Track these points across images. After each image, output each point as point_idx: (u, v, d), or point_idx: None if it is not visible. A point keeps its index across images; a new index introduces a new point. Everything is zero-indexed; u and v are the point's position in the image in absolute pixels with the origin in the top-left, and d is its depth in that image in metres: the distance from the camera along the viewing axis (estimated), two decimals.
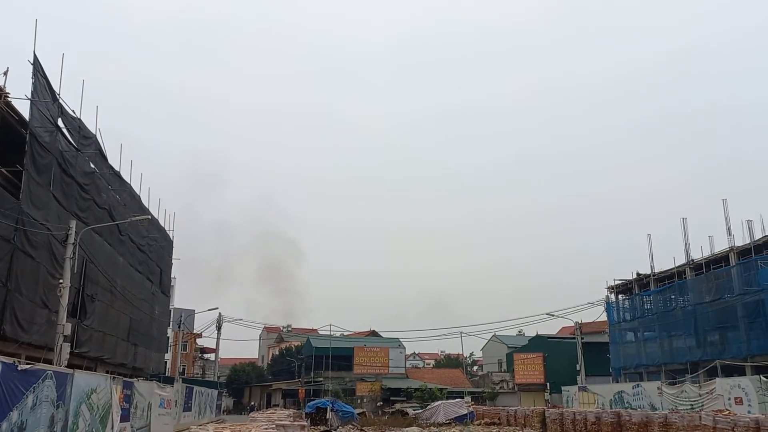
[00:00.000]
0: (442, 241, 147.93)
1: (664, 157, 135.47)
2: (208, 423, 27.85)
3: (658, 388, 34.22)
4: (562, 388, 48.31)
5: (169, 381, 36.38)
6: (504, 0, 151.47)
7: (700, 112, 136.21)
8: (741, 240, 35.71)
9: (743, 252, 35.11)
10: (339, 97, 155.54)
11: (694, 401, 29.88)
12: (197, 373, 75.52)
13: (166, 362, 51.17)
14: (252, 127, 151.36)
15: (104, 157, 28.26)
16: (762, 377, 27.08)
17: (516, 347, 68.73)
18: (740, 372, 32.59)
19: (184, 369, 65.92)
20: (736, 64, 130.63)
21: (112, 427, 20.34)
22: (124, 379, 23.31)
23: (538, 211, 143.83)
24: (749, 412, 24.27)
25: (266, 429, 12.52)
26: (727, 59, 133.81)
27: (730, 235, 36.05)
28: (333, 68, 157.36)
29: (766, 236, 33.99)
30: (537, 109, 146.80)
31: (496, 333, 70.43)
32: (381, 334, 75.67)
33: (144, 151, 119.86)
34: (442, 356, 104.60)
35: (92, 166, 26.37)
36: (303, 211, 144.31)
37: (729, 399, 27.76)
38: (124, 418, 22.01)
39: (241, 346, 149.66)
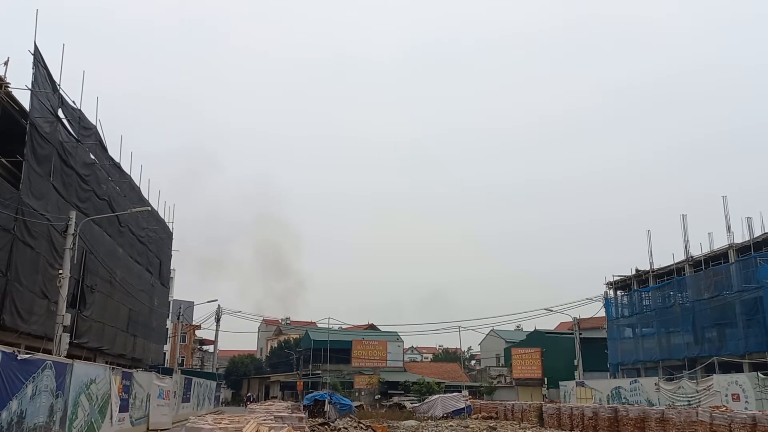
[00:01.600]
0: (446, 247, 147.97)
1: (664, 154, 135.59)
2: (206, 414, 27.92)
3: (655, 384, 34.33)
4: (560, 383, 48.43)
5: (168, 372, 36.52)
6: (512, 11, 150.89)
7: (702, 113, 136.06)
8: (740, 237, 35.78)
9: (742, 249, 35.14)
10: (340, 104, 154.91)
11: (692, 397, 29.98)
12: (196, 365, 75.70)
13: (165, 353, 51.31)
14: (252, 127, 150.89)
15: (104, 148, 28.23)
16: (759, 374, 27.18)
17: (514, 342, 68.84)
18: (738, 369, 32.66)
19: (183, 360, 66.13)
20: (734, 63, 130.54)
21: (111, 418, 20.44)
22: (123, 369, 23.42)
23: (540, 214, 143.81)
24: (746, 408, 24.38)
25: (265, 420, 12.56)
26: (723, 63, 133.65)
27: (729, 232, 36.11)
28: (336, 73, 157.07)
29: (765, 233, 34.02)
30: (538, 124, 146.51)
31: (494, 328, 70.60)
32: (379, 327, 75.76)
33: (144, 146, 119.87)
34: (440, 350, 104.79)
35: (92, 157, 26.35)
36: (301, 208, 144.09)
37: (726, 395, 27.87)
38: (123, 408, 22.12)
39: (239, 338, 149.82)
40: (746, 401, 26.56)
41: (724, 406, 23.69)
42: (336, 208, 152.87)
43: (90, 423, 18.25)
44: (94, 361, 24.80)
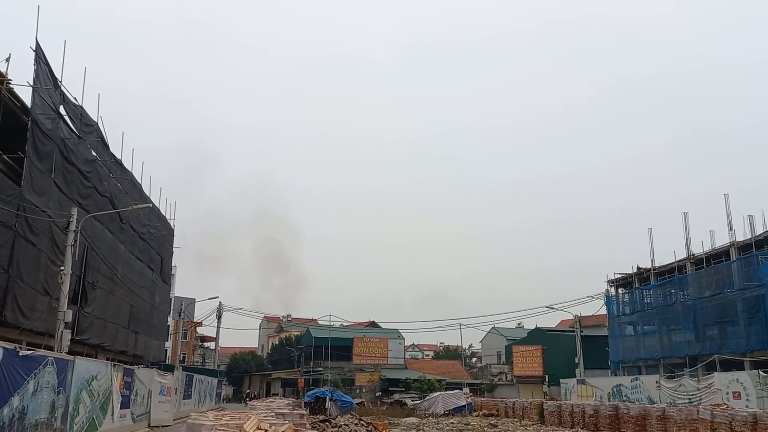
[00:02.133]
0: (446, 243, 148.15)
1: (665, 153, 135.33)
2: (207, 411, 27.98)
3: (656, 382, 34.32)
4: (561, 380, 48.41)
5: (170, 369, 36.57)
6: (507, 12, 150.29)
7: (703, 112, 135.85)
8: (742, 235, 35.69)
9: (744, 247, 35.07)
10: (340, 102, 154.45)
11: (692, 395, 29.96)
12: (197, 362, 75.80)
13: (166, 350, 51.38)
14: (252, 125, 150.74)
15: (106, 145, 28.27)
16: (760, 372, 27.16)
17: (515, 340, 68.82)
18: (739, 367, 32.66)
19: (184, 357, 66.20)
20: (736, 61, 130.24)
21: (112, 414, 20.48)
22: (125, 366, 23.45)
23: (542, 211, 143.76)
24: (747, 406, 24.38)
25: (266, 417, 12.59)
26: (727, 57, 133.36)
27: (731, 230, 36.03)
28: (336, 72, 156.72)
29: (766, 231, 33.94)
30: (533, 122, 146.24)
31: (496, 325, 70.61)
32: (380, 324, 75.83)
33: (145, 143, 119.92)
34: (441, 347, 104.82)
35: (94, 153, 26.39)
36: (301, 206, 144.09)
37: (727, 393, 27.85)
38: (125, 404, 22.16)
39: (241, 335, 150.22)
40: (747, 399, 26.54)
41: (725, 404, 23.66)
42: (336, 206, 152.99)
43: (91, 419, 18.29)
44: (96, 358, 24.84)
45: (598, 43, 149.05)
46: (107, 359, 25.10)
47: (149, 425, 25.72)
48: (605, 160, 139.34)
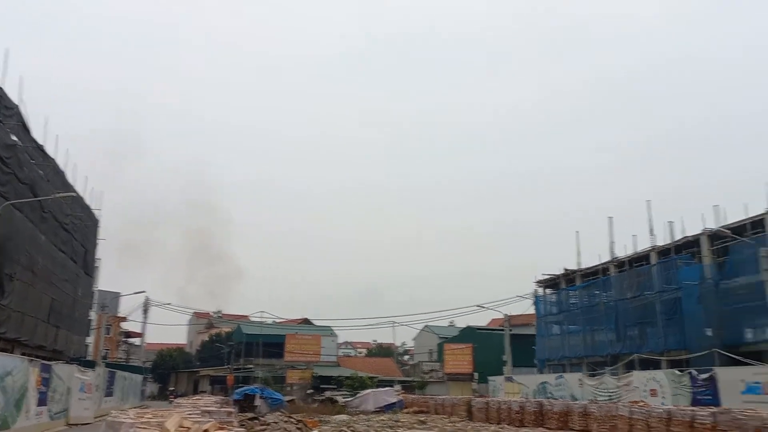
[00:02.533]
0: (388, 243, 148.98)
1: (592, 151, 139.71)
2: (129, 408, 27.08)
3: (579, 380, 35.51)
4: (489, 378, 49.37)
5: (91, 365, 35.29)
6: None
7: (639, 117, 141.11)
8: (662, 240, 37.31)
9: (664, 252, 36.65)
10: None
11: (613, 392, 31.14)
12: (121, 358, 73.32)
13: (87, 345, 49.36)
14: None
15: (27, 130, 26.90)
16: (676, 371, 28.48)
17: (447, 338, 69.84)
18: (656, 366, 34.11)
19: (107, 353, 63.88)
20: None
21: (28, 411, 19.58)
22: (42, 362, 22.46)
23: (479, 214, 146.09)
24: (663, 403, 25.51)
25: (190, 414, 12.26)
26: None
27: (652, 235, 37.64)
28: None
29: (685, 237, 35.59)
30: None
31: (428, 324, 71.50)
32: (313, 322, 75.44)
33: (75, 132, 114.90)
34: (375, 345, 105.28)
35: (14, 138, 25.06)
36: (235, 202, 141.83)
37: (645, 391, 29.08)
38: (42, 402, 21.28)
39: (168, 331, 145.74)
40: (663, 397, 27.77)
41: (643, 401, 24.75)
42: (272, 200, 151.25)
43: (3, 417, 17.42)
44: (12, 353, 23.64)
45: (529, 54, 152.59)
46: (23, 354, 23.93)
47: (68, 423, 24.75)
48: (547, 166, 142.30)
